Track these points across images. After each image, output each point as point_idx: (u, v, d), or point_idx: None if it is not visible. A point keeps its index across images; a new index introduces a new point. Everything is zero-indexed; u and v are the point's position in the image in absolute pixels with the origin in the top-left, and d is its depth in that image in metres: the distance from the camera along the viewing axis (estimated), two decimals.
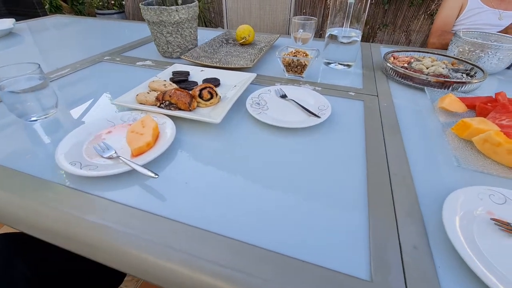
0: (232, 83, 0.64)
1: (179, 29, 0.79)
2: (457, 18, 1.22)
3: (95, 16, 2.92)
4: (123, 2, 3.06)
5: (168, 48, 0.82)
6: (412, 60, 0.77)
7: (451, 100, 0.56)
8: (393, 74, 0.72)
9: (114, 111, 0.56)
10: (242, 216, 0.34)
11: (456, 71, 0.72)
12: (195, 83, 0.64)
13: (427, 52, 0.82)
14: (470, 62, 0.73)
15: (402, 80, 0.70)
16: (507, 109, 0.50)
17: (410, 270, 0.28)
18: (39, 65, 0.51)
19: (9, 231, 0.49)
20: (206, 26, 2.76)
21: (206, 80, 0.65)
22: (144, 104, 0.54)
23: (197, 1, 0.82)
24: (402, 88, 0.69)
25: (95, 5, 2.90)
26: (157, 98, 0.53)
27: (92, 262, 0.33)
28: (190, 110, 0.52)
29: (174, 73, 0.69)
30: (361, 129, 0.52)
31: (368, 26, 2.54)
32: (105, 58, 0.84)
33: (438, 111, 0.57)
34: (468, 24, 1.19)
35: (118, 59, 0.84)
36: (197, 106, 0.55)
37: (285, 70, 0.73)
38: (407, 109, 0.60)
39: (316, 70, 0.79)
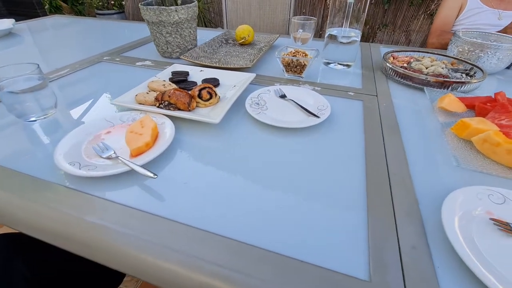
0: (232, 83, 0.64)
1: (179, 29, 0.79)
2: (456, 18, 1.22)
3: (95, 17, 2.92)
4: (123, 3, 3.06)
5: (167, 48, 0.82)
6: (412, 60, 0.77)
7: (450, 100, 0.56)
8: (393, 74, 0.72)
9: (113, 111, 0.56)
10: (241, 216, 0.34)
11: (456, 71, 0.72)
12: (195, 83, 0.64)
13: (427, 52, 0.82)
14: (469, 62, 0.73)
15: (402, 80, 0.70)
16: (506, 109, 0.50)
17: (409, 270, 0.28)
18: (38, 65, 0.51)
19: (8, 231, 0.49)
20: (206, 26, 2.76)
21: (205, 80, 0.65)
22: (143, 104, 0.54)
23: (196, 1, 0.82)
24: (401, 88, 0.69)
25: (95, 5, 2.90)
26: (156, 98, 0.53)
27: (91, 263, 0.33)
28: (189, 110, 0.52)
29: (174, 73, 0.69)
30: (360, 129, 0.52)
31: (368, 26, 2.54)
32: (105, 58, 0.84)
33: (438, 111, 0.57)
34: (468, 24, 1.19)
35: (117, 59, 0.84)
36: (196, 106, 0.55)
37: (284, 70, 0.73)
38: (406, 109, 0.60)
39: (315, 70, 0.79)
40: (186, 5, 0.77)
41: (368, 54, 0.92)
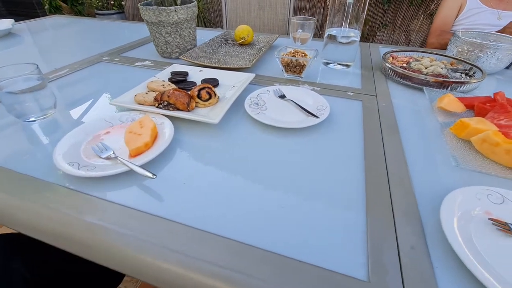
0: (231, 83, 0.64)
1: (178, 30, 0.79)
2: (456, 18, 1.22)
3: (94, 17, 2.92)
4: (123, 3, 3.06)
5: (167, 48, 0.82)
6: (411, 60, 0.77)
7: (449, 100, 0.56)
8: (392, 74, 0.72)
9: (112, 111, 0.56)
10: (240, 216, 0.34)
11: (455, 71, 0.72)
12: (194, 84, 0.64)
13: (426, 52, 0.82)
14: (469, 62, 0.73)
15: (401, 80, 0.70)
16: (505, 109, 0.50)
17: (407, 271, 0.28)
18: (37, 65, 0.51)
19: (7, 232, 0.49)
20: (206, 27, 2.76)
21: (204, 81, 0.65)
22: (142, 104, 0.54)
23: (195, 2, 0.82)
24: (400, 88, 0.69)
25: (94, 5, 2.90)
26: (155, 99, 0.53)
27: (90, 263, 0.33)
28: (188, 111, 0.52)
29: (173, 73, 0.69)
30: (359, 129, 0.52)
31: (367, 26, 2.54)
32: (104, 58, 0.84)
33: (437, 111, 0.57)
34: (467, 24, 1.19)
35: (117, 59, 0.84)
36: (196, 106, 0.55)
37: (284, 70, 0.73)
38: (405, 109, 0.60)
39: (315, 70, 0.79)
40: (186, 5, 0.77)
41: (368, 54, 0.92)
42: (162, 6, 0.75)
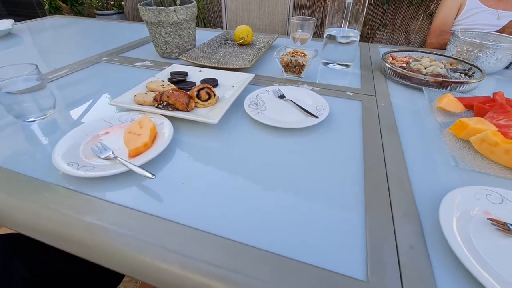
0: (230, 84, 0.64)
1: (178, 30, 0.79)
2: (455, 18, 1.22)
3: (94, 17, 2.92)
4: (123, 3, 3.06)
5: (166, 48, 0.83)
6: (411, 60, 0.77)
7: (449, 100, 0.56)
8: (391, 74, 0.72)
9: (112, 111, 0.56)
10: (239, 216, 0.34)
11: (455, 71, 0.72)
12: (193, 84, 0.64)
13: (426, 52, 0.82)
14: (468, 62, 0.73)
15: (400, 80, 0.70)
16: (504, 109, 0.50)
17: (406, 270, 0.28)
18: (37, 66, 0.51)
19: (7, 232, 0.49)
20: (205, 27, 2.77)
21: (204, 81, 0.65)
22: (142, 104, 0.54)
23: (195, 2, 0.82)
24: (400, 88, 0.69)
25: (94, 5, 2.90)
26: (155, 99, 0.53)
27: (90, 263, 0.33)
28: (188, 111, 0.52)
29: (172, 73, 0.69)
30: (359, 129, 0.52)
31: (367, 26, 2.54)
32: (104, 58, 0.84)
33: (436, 111, 0.57)
34: (467, 24, 1.19)
35: (116, 59, 0.84)
36: (195, 106, 0.55)
37: (283, 70, 0.73)
38: (405, 109, 0.60)
39: (314, 70, 0.79)
40: (185, 5, 0.77)
41: (367, 54, 0.92)
42: (162, 6, 0.76)
